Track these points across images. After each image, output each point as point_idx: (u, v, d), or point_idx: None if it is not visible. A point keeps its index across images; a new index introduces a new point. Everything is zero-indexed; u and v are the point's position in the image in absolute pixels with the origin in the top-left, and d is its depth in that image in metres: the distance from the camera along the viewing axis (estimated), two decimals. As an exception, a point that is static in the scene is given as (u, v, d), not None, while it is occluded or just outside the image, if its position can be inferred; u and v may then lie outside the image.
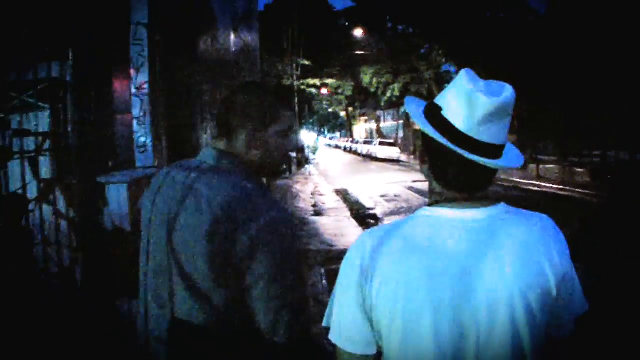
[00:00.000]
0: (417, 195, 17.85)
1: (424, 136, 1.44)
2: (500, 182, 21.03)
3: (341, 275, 1.43)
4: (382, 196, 17.82)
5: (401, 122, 58.38)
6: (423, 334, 1.29)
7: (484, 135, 1.32)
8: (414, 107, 1.48)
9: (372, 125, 71.01)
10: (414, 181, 23.49)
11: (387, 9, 35.64)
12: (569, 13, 23.14)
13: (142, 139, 3.32)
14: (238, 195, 1.61)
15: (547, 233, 1.36)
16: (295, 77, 38.80)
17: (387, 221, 13.08)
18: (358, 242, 1.42)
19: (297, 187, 20.24)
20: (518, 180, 20.21)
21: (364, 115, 75.53)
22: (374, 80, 45.77)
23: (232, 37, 6.58)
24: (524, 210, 1.43)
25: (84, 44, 4.16)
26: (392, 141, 48.91)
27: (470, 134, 1.32)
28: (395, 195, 17.99)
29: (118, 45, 4.04)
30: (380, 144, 45.37)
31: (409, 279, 1.30)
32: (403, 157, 43.17)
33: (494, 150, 1.34)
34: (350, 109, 68.24)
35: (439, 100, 1.40)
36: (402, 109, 55.67)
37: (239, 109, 1.75)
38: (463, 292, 1.28)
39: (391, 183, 22.45)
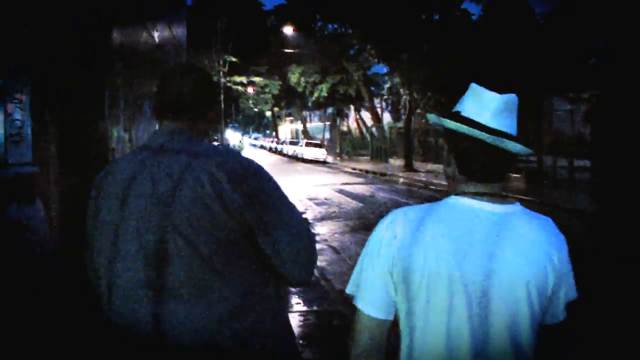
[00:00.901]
0: (348, 199, 17.18)
1: (449, 138, 1.66)
2: (433, 187, 20.75)
3: (370, 245, 1.63)
4: (311, 199, 17.03)
5: (328, 123, 58.04)
6: (444, 301, 1.51)
7: (499, 124, 1.57)
8: (435, 118, 1.69)
9: (298, 125, 70.40)
10: (343, 183, 22.96)
11: (318, 7, 34.95)
12: (501, 18, 23.25)
13: (17, 124, 2.37)
14: (251, 164, 1.74)
15: (551, 235, 1.58)
16: (222, 74, 37.61)
17: (319, 226, 12.45)
18: (391, 218, 1.62)
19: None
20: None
21: (289, 115, 74.89)
22: (302, 79, 45.17)
23: (158, 24, 5.70)
24: (533, 212, 1.62)
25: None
26: (318, 142, 48.49)
27: (487, 124, 1.57)
28: (326, 199, 17.26)
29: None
30: (307, 144, 44.84)
31: (439, 253, 1.51)
32: (330, 159, 42.85)
33: (509, 138, 1.56)
34: (276, 108, 67.23)
35: (457, 107, 1.66)
36: (329, 110, 55.37)
37: (205, 92, 1.84)
38: (483, 272, 1.50)
39: (320, 185, 21.74)
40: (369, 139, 43.39)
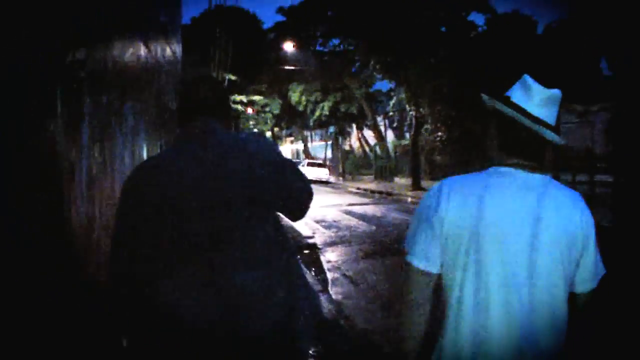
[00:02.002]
0: (357, 221, 16.11)
1: (495, 117, 1.92)
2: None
3: (421, 210, 1.95)
4: (318, 222, 15.95)
5: (329, 142, 57.10)
6: (491, 256, 1.75)
7: (540, 113, 1.83)
8: (487, 98, 1.92)
9: (299, 145, 69.57)
10: (350, 204, 21.92)
11: (318, 23, 34.15)
12: (504, 31, 22.45)
13: None
14: (272, 143, 2.27)
15: (579, 202, 1.83)
16: (221, 92, 36.79)
17: (330, 251, 11.32)
18: (439, 186, 1.91)
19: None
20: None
21: (290, 135, 74.11)
22: (303, 98, 44.28)
23: (150, 36, 5.04)
24: (561, 184, 1.88)
25: None
26: (321, 162, 47.55)
27: (531, 111, 1.83)
28: (334, 221, 16.17)
29: None
30: (309, 164, 43.69)
31: (486, 214, 1.76)
32: (332, 179, 41.90)
33: (548, 127, 1.83)
34: (277, 128, 66.38)
35: (508, 92, 1.90)
36: (330, 129, 54.48)
37: (222, 93, 2.26)
38: (530, 231, 1.73)
39: (326, 206, 20.62)
40: (372, 157, 42.42)
